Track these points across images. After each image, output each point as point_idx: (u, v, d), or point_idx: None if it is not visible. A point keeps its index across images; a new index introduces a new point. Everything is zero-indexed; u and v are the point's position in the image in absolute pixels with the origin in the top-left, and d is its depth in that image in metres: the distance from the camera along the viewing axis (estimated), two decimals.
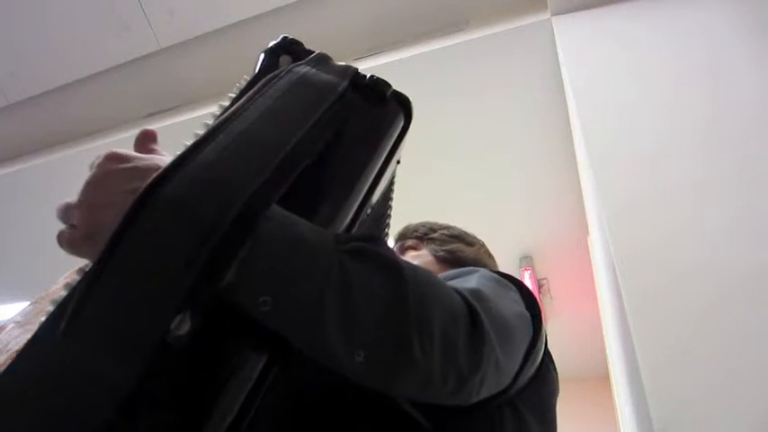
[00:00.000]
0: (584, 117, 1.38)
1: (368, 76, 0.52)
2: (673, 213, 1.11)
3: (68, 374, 0.34)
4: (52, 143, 2.53)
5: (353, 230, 0.51)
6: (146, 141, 0.47)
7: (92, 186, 0.41)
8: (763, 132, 1.18)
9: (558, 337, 2.69)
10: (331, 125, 0.47)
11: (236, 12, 2.08)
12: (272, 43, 0.56)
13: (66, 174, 2.47)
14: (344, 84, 0.50)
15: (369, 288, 0.41)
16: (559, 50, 1.64)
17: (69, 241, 0.42)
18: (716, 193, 1.12)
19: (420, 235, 1.02)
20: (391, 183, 0.61)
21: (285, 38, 0.55)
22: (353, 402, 0.54)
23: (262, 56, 0.55)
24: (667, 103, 1.32)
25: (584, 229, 2.33)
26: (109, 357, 0.34)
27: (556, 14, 1.69)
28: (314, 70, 0.50)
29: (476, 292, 0.53)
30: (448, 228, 1.04)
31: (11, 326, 0.67)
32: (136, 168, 0.41)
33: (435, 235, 1.01)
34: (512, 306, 0.62)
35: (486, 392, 0.52)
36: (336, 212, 0.47)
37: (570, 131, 1.97)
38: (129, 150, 0.44)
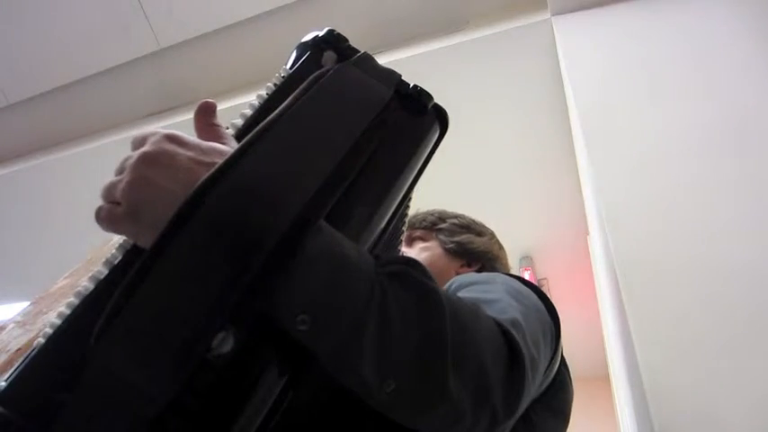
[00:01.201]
0: (584, 117, 1.38)
1: (411, 84, 0.51)
2: (673, 213, 1.11)
3: (102, 381, 0.33)
4: (52, 143, 2.53)
5: (384, 237, 0.50)
6: (206, 115, 0.44)
7: (146, 163, 0.38)
8: (765, 132, 1.18)
9: None
10: (376, 136, 0.45)
11: (237, 12, 2.08)
12: (315, 34, 0.53)
13: (66, 174, 2.47)
14: (390, 92, 0.49)
15: (407, 317, 0.39)
16: (559, 50, 1.64)
17: (109, 217, 0.38)
18: (716, 192, 1.12)
19: (428, 225, 1.00)
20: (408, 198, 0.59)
21: (332, 32, 0.52)
22: (356, 408, 0.54)
23: (304, 47, 0.52)
24: (668, 103, 1.32)
25: (584, 229, 2.33)
26: (146, 370, 0.33)
27: (556, 14, 1.69)
28: (361, 73, 0.48)
29: (515, 323, 0.51)
30: (457, 217, 1.02)
31: (11, 326, 0.68)
32: (195, 160, 0.38)
33: (444, 225, 0.99)
34: (538, 322, 0.60)
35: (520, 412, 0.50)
36: (371, 218, 0.46)
37: (570, 131, 1.97)
38: (186, 135, 0.41)
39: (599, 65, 1.49)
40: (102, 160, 2.36)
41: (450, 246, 0.95)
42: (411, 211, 1.00)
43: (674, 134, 1.25)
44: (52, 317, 0.38)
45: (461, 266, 0.97)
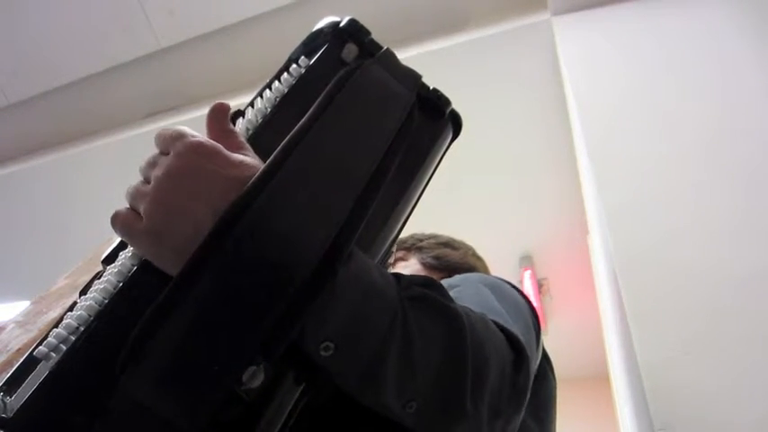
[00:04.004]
0: (584, 117, 1.38)
1: (431, 87, 0.50)
2: (673, 213, 1.11)
3: (129, 411, 0.33)
4: (52, 143, 2.53)
5: (397, 240, 0.49)
6: (221, 120, 0.42)
7: (175, 182, 0.36)
8: (765, 132, 1.18)
9: (558, 337, 2.69)
10: (402, 145, 0.43)
11: (237, 12, 2.08)
12: (336, 22, 0.50)
13: (67, 174, 2.47)
14: (414, 96, 0.47)
15: (429, 340, 0.40)
16: (559, 50, 1.64)
17: (127, 228, 0.37)
18: (716, 192, 1.12)
19: (408, 246, 1.03)
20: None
21: (355, 23, 0.50)
22: (356, 407, 0.54)
23: (323, 36, 0.49)
24: (668, 103, 1.32)
25: (584, 229, 2.33)
26: (176, 403, 0.32)
27: (556, 14, 1.69)
28: (387, 74, 0.46)
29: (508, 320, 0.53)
30: (434, 236, 1.06)
31: (11, 326, 0.68)
32: (229, 179, 0.36)
33: (422, 244, 1.03)
34: (522, 319, 0.62)
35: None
36: (385, 228, 0.44)
37: (570, 131, 1.97)
38: (216, 144, 0.38)
39: (599, 65, 1.49)
40: (102, 160, 2.37)
41: (429, 260, 0.98)
42: (403, 232, 1.01)
43: (674, 134, 1.25)
44: (59, 328, 0.36)
45: (441, 279, 1.00)
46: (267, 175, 0.35)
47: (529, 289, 2.56)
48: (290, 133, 0.38)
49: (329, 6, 2.01)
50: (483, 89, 1.99)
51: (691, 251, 1.05)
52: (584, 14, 1.63)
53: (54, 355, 0.35)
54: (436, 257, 0.98)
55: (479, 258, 1.08)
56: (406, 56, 2.11)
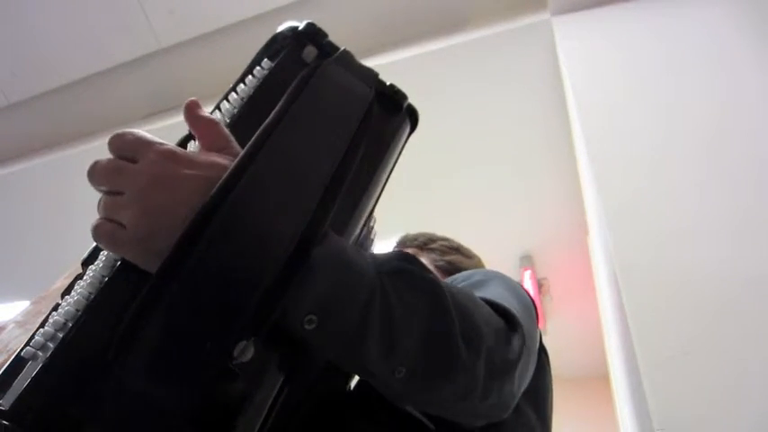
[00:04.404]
0: (584, 117, 1.38)
1: (388, 83, 0.52)
2: (673, 213, 1.11)
3: (122, 396, 0.33)
4: (52, 143, 2.53)
5: (361, 235, 0.51)
6: (196, 114, 0.44)
7: (154, 188, 0.37)
8: (765, 132, 1.18)
9: (558, 337, 2.70)
10: (363, 137, 0.46)
11: (237, 12, 2.08)
12: (295, 26, 0.53)
13: (66, 174, 2.47)
14: (372, 93, 0.49)
15: (410, 309, 0.42)
16: (559, 50, 1.64)
17: (112, 239, 0.38)
18: (716, 192, 1.12)
19: (420, 244, 1.03)
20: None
21: (312, 25, 0.52)
22: (356, 404, 0.54)
23: (283, 38, 0.52)
24: (668, 103, 1.32)
25: (584, 229, 2.33)
26: (171, 385, 0.33)
27: (556, 14, 1.69)
28: (346, 72, 0.48)
29: (483, 285, 0.55)
30: (446, 239, 1.05)
31: (11, 326, 0.68)
32: (199, 177, 0.38)
33: (435, 245, 1.02)
34: (523, 302, 0.63)
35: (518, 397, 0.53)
36: (354, 215, 0.46)
37: (570, 131, 1.97)
38: (185, 151, 0.41)
39: (599, 65, 1.49)
40: None
41: (442, 263, 0.97)
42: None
43: (674, 134, 1.25)
44: (46, 327, 0.37)
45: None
46: (241, 167, 0.38)
47: (529, 289, 2.56)
48: (258, 131, 0.40)
49: (328, 7, 2.01)
50: (483, 89, 1.99)
51: (691, 251, 1.05)
52: (584, 14, 1.63)
53: (41, 354, 0.36)
54: (450, 263, 0.98)
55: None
56: (406, 56, 2.11)
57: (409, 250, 1.03)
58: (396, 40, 2.02)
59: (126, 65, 2.28)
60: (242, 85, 0.49)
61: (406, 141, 0.54)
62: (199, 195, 0.37)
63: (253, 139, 0.39)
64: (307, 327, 0.38)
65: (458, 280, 0.71)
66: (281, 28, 0.53)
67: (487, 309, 0.48)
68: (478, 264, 1.03)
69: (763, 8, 1.39)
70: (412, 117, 0.54)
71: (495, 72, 1.95)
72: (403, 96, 0.52)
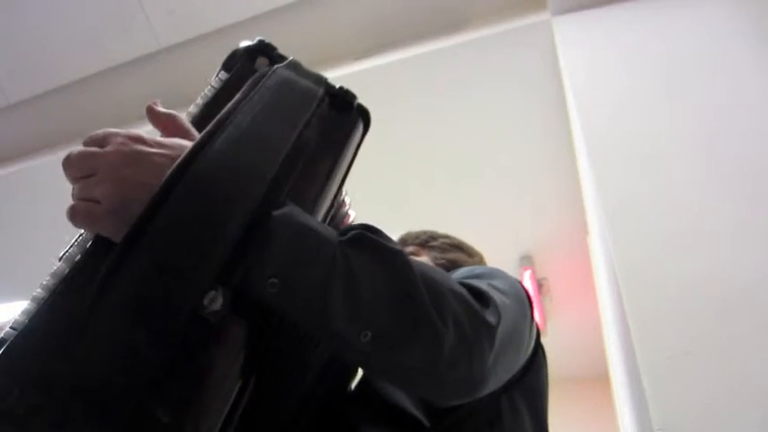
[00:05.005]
0: (584, 117, 1.38)
1: (337, 86, 0.56)
2: (673, 213, 1.11)
3: (102, 346, 0.35)
4: (52, 143, 2.52)
5: (333, 210, 0.55)
6: (157, 114, 0.50)
7: (125, 164, 0.41)
8: (765, 132, 1.18)
9: (558, 337, 2.69)
10: (314, 129, 0.51)
11: (237, 12, 2.08)
12: (247, 44, 0.59)
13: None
14: (322, 90, 0.54)
15: (371, 273, 0.43)
16: (559, 50, 1.64)
17: (88, 215, 0.41)
18: (716, 192, 1.12)
19: (421, 242, 1.02)
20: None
21: (261, 41, 0.58)
22: (353, 403, 0.55)
23: (236, 55, 0.58)
24: (668, 103, 1.32)
25: (584, 229, 2.33)
26: (143, 329, 0.35)
27: (556, 14, 1.69)
28: (295, 75, 0.53)
29: (480, 278, 0.56)
30: (448, 237, 1.05)
31: None
32: (164, 155, 0.42)
33: (436, 243, 1.02)
34: (515, 297, 0.62)
35: (494, 385, 0.52)
36: (312, 206, 0.49)
37: (570, 131, 1.97)
38: (148, 136, 0.45)
39: (599, 65, 1.49)
40: None
41: (442, 261, 0.97)
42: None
43: (674, 134, 1.25)
44: (26, 304, 0.39)
45: None
46: (203, 141, 0.42)
47: (529, 289, 2.56)
48: (217, 117, 0.44)
49: (328, 7, 2.01)
50: (483, 89, 1.99)
51: (691, 251, 1.05)
52: (584, 14, 1.63)
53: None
54: (452, 261, 0.97)
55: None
56: (406, 56, 2.11)
57: (410, 248, 1.02)
58: (396, 39, 2.02)
59: (126, 65, 2.28)
60: (203, 93, 0.55)
61: (362, 139, 0.58)
62: (166, 168, 0.40)
63: (212, 122, 0.43)
64: (270, 290, 0.39)
65: (458, 274, 0.71)
66: (238, 46, 0.59)
67: (455, 282, 0.48)
68: (480, 262, 1.03)
69: (764, 8, 1.39)
70: (364, 117, 0.58)
71: (495, 72, 1.95)
72: (352, 96, 0.56)
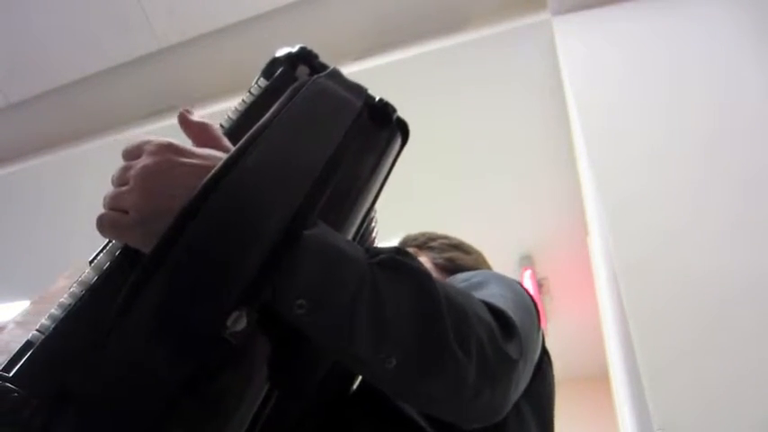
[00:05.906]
0: (584, 117, 1.38)
1: (377, 98, 0.55)
2: (673, 213, 1.11)
3: (121, 364, 0.35)
4: (52, 143, 2.52)
5: (363, 230, 0.53)
6: (189, 121, 0.48)
7: (155, 174, 0.40)
8: (765, 132, 1.18)
9: (558, 337, 2.69)
10: (352, 143, 0.49)
11: (237, 12, 2.08)
12: (289, 50, 0.57)
13: (66, 174, 2.47)
14: (360, 103, 0.52)
15: (399, 296, 0.42)
16: (559, 50, 1.64)
17: (116, 224, 0.40)
18: (716, 192, 1.12)
19: (419, 244, 1.03)
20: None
21: (304, 48, 0.57)
22: (355, 408, 0.54)
23: (278, 62, 0.57)
24: (668, 103, 1.32)
25: (584, 229, 2.33)
26: (163, 349, 0.35)
27: (556, 14, 1.69)
28: (335, 85, 0.52)
29: (502, 300, 0.54)
30: (446, 237, 1.05)
31: (11, 326, 0.68)
32: (196, 165, 0.41)
33: (434, 244, 1.02)
34: (522, 304, 0.62)
35: (514, 399, 0.52)
36: (344, 223, 0.48)
37: (570, 131, 1.97)
38: (182, 144, 0.44)
39: (599, 65, 1.49)
40: (102, 160, 2.37)
41: (440, 261, 0.97)
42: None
43: (674, 134, 1.25)
44: (52, 309, 0.39)
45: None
46: (237, 155, 0.40)
47: (529, 289, 2.55)
48: (251, 130, 0.43)
49: (328, 7, 2.01)
50: (483, 89, 1.99)
51: (691, 251, 1.05)
52: (584, 14, 1.63)
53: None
54: (449, 260, 0.97)
55: (489, 266, 1.08)
56: (406, 56, 2.11)
57: (409, 250, 1.03)
58: (396, 39, 2.02)
59: (126, 65, 2.28)
60: (241, 101, 0.53)
61: (399, 153, 0.57)
62: (196, 179, 0.39)
63: (246, 135, 0.42)
64: (297, 311, 0.38)
65: (457, 281, 0.71)
66: (277, 53, 0.58)
67: (481, 306, 0.48)
68: (478, 259, 1.03)
69: (764, 8, 1.39)
70: (403, 129, 0.57)
71: (495, 72, 1.95)
72: (392, 109, 0.55)
